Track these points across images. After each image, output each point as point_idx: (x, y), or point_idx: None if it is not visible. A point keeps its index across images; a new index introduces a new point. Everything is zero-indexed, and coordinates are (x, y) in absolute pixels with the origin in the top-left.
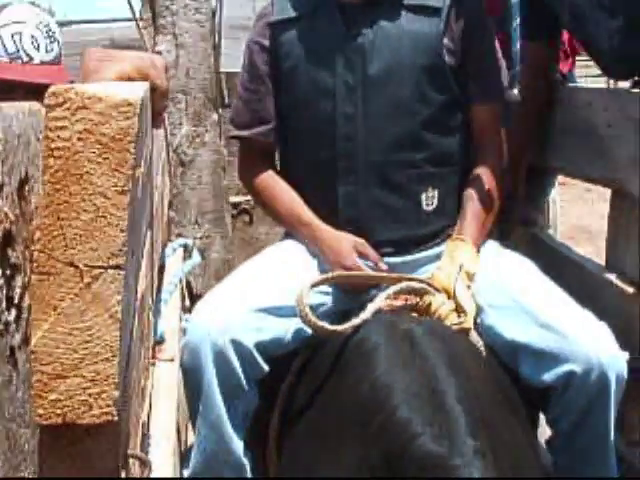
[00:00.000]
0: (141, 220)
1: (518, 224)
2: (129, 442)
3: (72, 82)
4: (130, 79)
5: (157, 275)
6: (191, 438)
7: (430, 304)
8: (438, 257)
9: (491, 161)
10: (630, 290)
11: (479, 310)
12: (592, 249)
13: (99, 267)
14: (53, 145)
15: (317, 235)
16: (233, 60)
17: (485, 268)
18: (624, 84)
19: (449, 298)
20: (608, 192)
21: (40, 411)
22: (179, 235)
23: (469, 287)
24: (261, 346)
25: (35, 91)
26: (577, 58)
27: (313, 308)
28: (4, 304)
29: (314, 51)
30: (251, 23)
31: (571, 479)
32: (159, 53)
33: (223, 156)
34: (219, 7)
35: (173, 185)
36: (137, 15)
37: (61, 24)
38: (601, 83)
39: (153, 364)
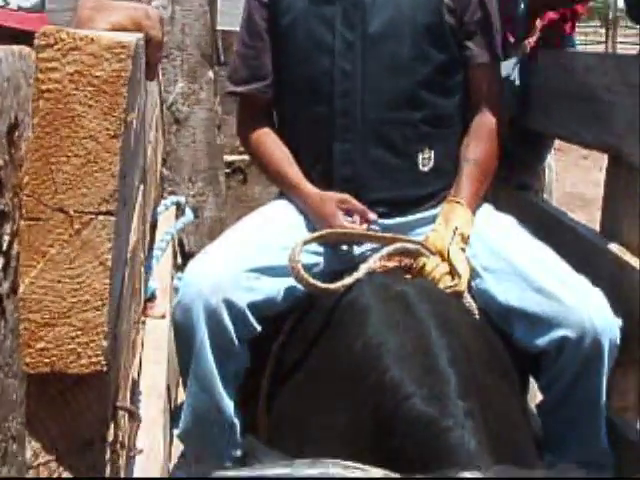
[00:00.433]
0: (133, 170)
1: (513, 189)
2: (118, 395)
3: None
4: (124, 30)
5: (149, 232)
6: (182, 397)
7: (424, 266)
8: (433, 219)
9: (489, 123)
10: (625, 257)
11: (473, 273)
12: (586, 217)
13: (89, 213)
14: (43, 87)
15: (303, 198)
16: (230, 18)
17: (480, 231)
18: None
19: (443, 260)
20: (603, 160)
21: (28, 360)
22: (172, 193)
23: (463, 250)
24: (253, 306)
25: (11, 39)
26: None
27: (306, 267)
28: None
29: (313, 7)
30: None
31: None
32: None
33: (218, 114)
34: None
35: (167, 142)
36: None
37: None
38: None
39: (144, 321)
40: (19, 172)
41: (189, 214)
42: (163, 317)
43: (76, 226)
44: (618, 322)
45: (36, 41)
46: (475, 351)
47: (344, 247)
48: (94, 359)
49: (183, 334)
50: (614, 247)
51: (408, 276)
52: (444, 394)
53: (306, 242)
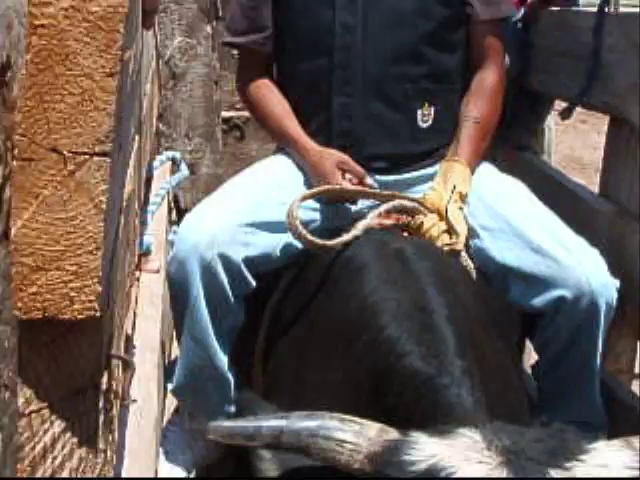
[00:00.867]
0: (129, 113)
1: (512, 149)
2: (112, 344)
3: None
4: None
5: (144, 187)
6: (176, 352)
7: (421, 224)
8: (431, 177)
9: (491, 81)
10: (623, 218)
11: (471, 232)
12: (584, 181)
13: (84, 153)
14: (37, 22)
15: (302, 153)
16: None
17: (479, 190)
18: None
19: (441, 219)
20: (602, 124)
21: (20, 304)
22: (169, 149)
23: (461, 209)
24: (249, 261)
25: None
26: None
27: (303, 223)
28: None
29: None
30: None
31: None
32: None
33: (215, 70)
34: None
35: (164, 97)
36: None
37: None
38: None
39: (138, 278)
40: (11, 115)
41: (184, 170)
42: (158, 272)
43: (70, 167)
44: (615, 283)
45: None
46: (472, 310)
47: (342, 204)
48: (88, 304)
49: (178, 288)
50: (612, 209)
51: (405, 234)
52: (441, 352)
53: (304, 198)
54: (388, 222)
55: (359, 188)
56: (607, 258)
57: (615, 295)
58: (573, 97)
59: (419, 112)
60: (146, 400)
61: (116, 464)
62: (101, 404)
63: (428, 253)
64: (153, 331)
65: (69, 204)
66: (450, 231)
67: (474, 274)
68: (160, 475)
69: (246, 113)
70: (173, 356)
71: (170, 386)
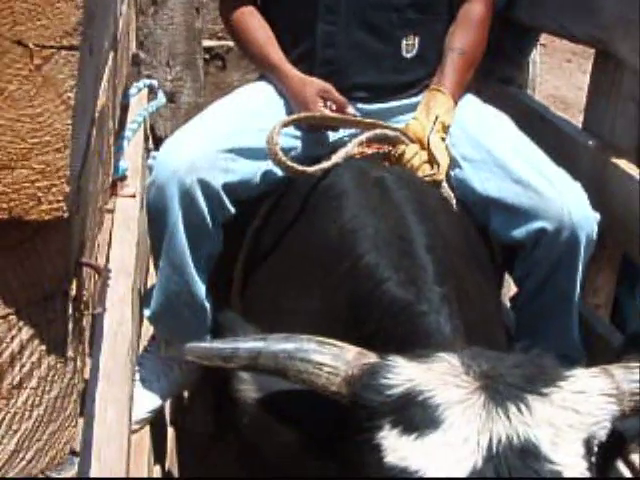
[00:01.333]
0: (102, 16)
1: (496, 82)
2: (84, 252)
3: None
4: None
5: (120, 113)
6: (153, 279)
7: (403, 153)
8: (414, 107)
9: (477, 12)
10: (606, 153)
11: (453, 163)
12: None
13: (51, 47)
14: None
15: (284, 80)
16: None
17: (462, 121)
18: None
19: (422, 149)
20: (587, 63)
21: None
22: (149, 77)
23: (444, 139)
24: (229, 187)
25: None
26: None
27: (284, 150)
28: None
29: None
30: None
31: None
32: None
33: None
34: None
35: (144, 25)
36: None
37: None
38: None
39: (114, 201)
40: None
41: (161, 97)
42: (133, 197)
43: (36, 61)
44: (596, 217)
45: None
46: (452, 240)
47: (323, 132)
48: (55, 205)
49: (156, 214)
50: (595, 143)
51: (386, 163)
52: (420, 279)
53: (285, 124)
54: (369, 151)
55: (340, 115)
56: (589, 192)
57: (596, 228)
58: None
59: (403, 42)
60: (121, 324)
61: (90, 385)
62: (70, 311)
63: (409, 182)
64: (128, 255)
65: (35, 100)
66: (431, 161)
67: (455, 204)
68: (135, 402)
69: (228, 42)
70: (150, 283)
71: (146, 312)
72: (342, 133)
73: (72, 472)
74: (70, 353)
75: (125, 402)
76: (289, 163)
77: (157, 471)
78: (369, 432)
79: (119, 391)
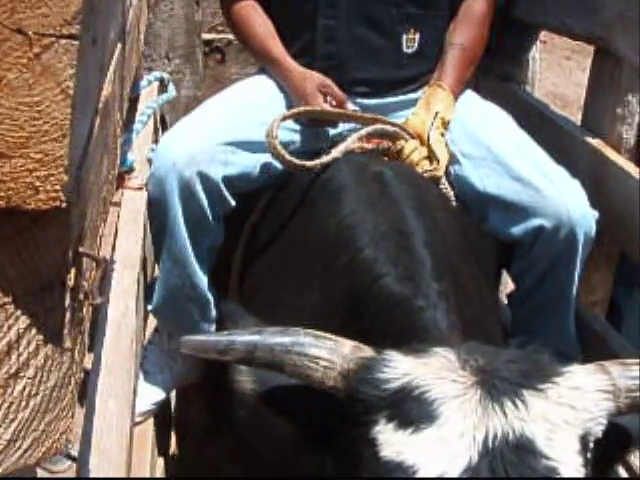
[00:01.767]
0: (108, 11)
1: (496, 79)
2: (84, 242)
3: None
4: None
5: (130, 105)
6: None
7: (402, 149)
8: (414, 103)
9: (479, 8)
10: (605, 150)
11: (452, 159)
12: None
13: (50, 35)
14: None
15: (285, 74)
16: None
17: (461, 117)
18: None
19: (422, 145)
20: (587, 61)
21: None
22: (149, 69)
23: (443, 135)
24: (228, 180)
25: None
26: None
27: (284, 144)
28: None
29: None
30: None
31: None
32: None
33: None
34: None
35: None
36: None
37: None
38: None
39: (120, 195)
40: None
41: (172, 90)
42: (141, 189)
43: (36, 49)
44: (595, 215)
45: None
46: (450, 236)
47: (322, 127)
48: (53, 194)
49: (156, 208)
50: (594, 141)
51: (386, 159)
52: (418, 275)
53: (284, 118)
54: (369, 146)
55: (340, 110)
56: (587, 190)
57: (594, 226)
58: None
59: (404, 37)
60: (125, 315)
61: (92, 377)
62: (68, 301)
63: (408, 177)
64: (134, 248)
65: (35, 88)
66: (431, 157)
67: (453, 201)
68: (138, 395)
69: (227, 35)
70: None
71: (150, 306)
72: (341, 128)
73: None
74: (68, 343)
75: (127, 394)
76: (288, 157)
77: (160, 464)
78: (365, 426)
79: (121, 383)
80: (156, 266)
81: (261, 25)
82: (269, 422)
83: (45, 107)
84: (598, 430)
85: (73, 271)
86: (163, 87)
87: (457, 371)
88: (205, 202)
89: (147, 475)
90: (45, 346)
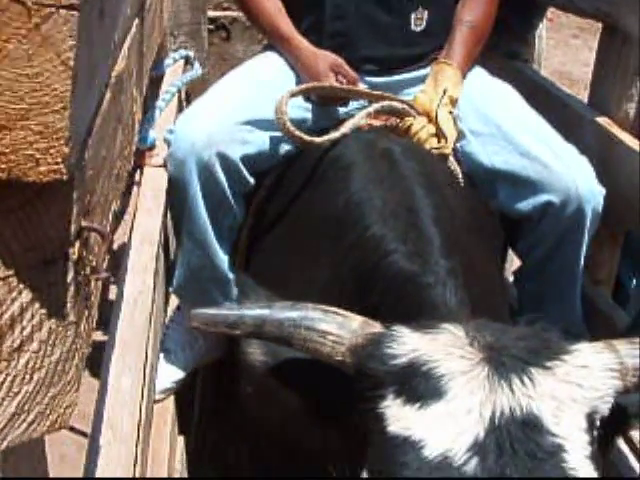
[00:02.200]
0: None
1: (503, 56)
2: (91, 216)
3: None
4: None
5: (155, 84)
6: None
7: (410, 126)
8: (423, 80)
9: None
10: (612, 129)
11: (460, 136)
12: None
13: (49, 6)
14: None
15: (295, 52)
16: None
17: (470, 94)
18: None
19: (430, 122)
20: (594, 40)
21: None
22: None
23: (451, 112)
24: (247, 159)
25: None
26: None
27: (293, 122)
28: None
29: None
30: None
31: None
32: None
33: None
34: None
35: None
36: None
37: None
38: None
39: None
40: None
41: (197, 68)
42: (162, 166)
43: (35, 20)
44: (602, 191)
45: None
46: (458, 213)
47: (332, 106)
48: (54, 167)
49: (175, 189)
50: (601, 119)
51: (394, 136)
52: (427, 252)
53: (293, 94)
54: (377, 123)
55: (349, 87)
56: (593, 168)
57: (602, 203)
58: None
59: (412, 15)
60: (141, 292)
61: (106, 353)
62: (72, 275)
63: (416, 155)
64: (153, 224)
65: (34, 59)
66: (439, 134)
67: (461, 179)
68: (159, 373)
69: (233, 13)
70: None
71: (171, 287)
72: (351, 106)
73: None
74: (72, 317)
75: (140, 370)
76: (297, 133)
77: (181, 442)
78: (373, 401)
79: (135, 360)
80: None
81: (269, 2)
82: (277, 396)
83: (45, 79)
84: (605, 408)
85: (77, 245)
86: (189, 65)
87: (465, 347)
88: (224, 182)
89: (166, 453)
90: (49, 320)
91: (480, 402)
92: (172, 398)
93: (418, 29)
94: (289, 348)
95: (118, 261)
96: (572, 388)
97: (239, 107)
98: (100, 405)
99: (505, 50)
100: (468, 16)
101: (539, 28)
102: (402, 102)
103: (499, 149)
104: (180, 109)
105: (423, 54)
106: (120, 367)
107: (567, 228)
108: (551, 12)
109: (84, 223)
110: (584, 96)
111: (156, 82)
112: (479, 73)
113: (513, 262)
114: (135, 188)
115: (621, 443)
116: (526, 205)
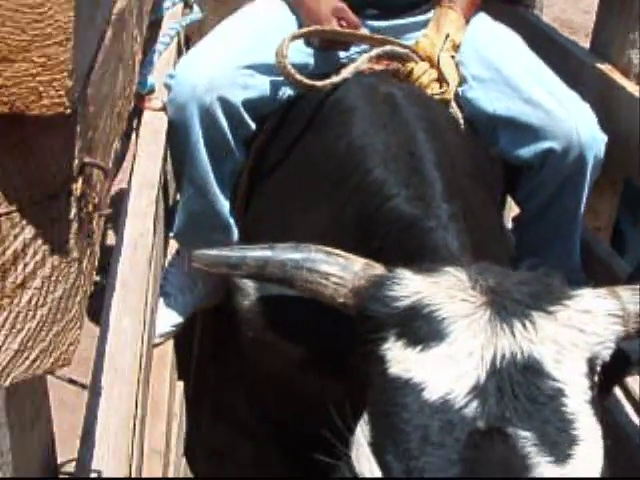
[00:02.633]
0: None
1: (503, 2)
2: (95, 154)
3: None
4: None
5: (154, 27)
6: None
7: (412, 71)
8: (425, 24)
9: None
10: (614, 74)
11: (462, 81)
12: None
13: None
14: None
15: None
16: None
17: (472, 39)
18: None
19: (432, 67)
20: None
21: None
22: None
23: (453, 57)
24: (248, 104)
25: None
26: None
27: (295, 66)
28: None
29: None
30: None
31: None
32: None
33: None
34: None
35: None
36: None
37: None
38: None
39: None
40: None
41: (197, 11)
42: (161, 110)
43: None
44: (604, 138)
45: None
46: (460, 159)
47: (334, 50)
48: (57, 100)
49: (176, 134)
50: (603, 65)
51: (395, 80)
52: (429, 196)
53: (294, 37)
54: (378, 67)
55: (351, 31)
56: (596, 115)
57: (603, 150)
58: None
59: None
60: (142, 235)
61: (107, 295)
62: (74, 211)
63: (418, 99)
64: (153, 168)
65: None
66: (440, 79)
67: (463, 124)
68: (158, 317)
69: None
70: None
71: (171, 232)
72: (352, 51)
73: None
74: (75, 254)
75: (141, 312)
76: (298, 77)
77: (180, 386)
78: (374, 343)
79: (136, 302)
80: (178, 192)
81: None
82: (276, 343)
83: (47, 9)
84: (606, 354)
85: (80, 181)
86: (188, 8)
87: (467, 290)
88: (226, 127)
89: (166, 396)
90: (52, 256)
91: (481, 345)
92: (171, 342)
93: None
94: (288, 293)
95: (117, 207)
96: (574, 333)
97: (240, 51)
98: (101, 346)
99: None
100: None
101: None
102: (404, 46)
103: (501, 95)
104: (179, 53)
105: None
106: (121, 308)
107: (568, 175)
108: None
109: (87, 159)
110: (585, 44)
111: (155, 25)
112: (482, 18)
113: (512, 209)
114: (134, 134)
115: (617, 390)
116: (527, 152)
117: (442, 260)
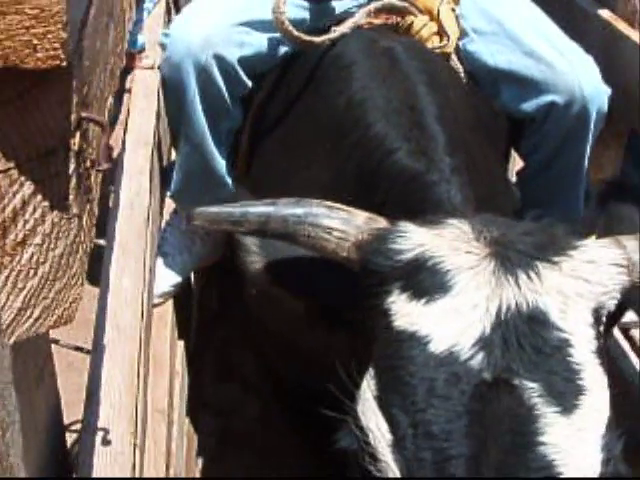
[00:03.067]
0: None
1: None
2: (90, 110)
3: None
4: None
5: None
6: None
7: (412, 25)
8: None
9: None
10: (618, 24)
11: (462, 35)
12: None
13: None
14: None
15: None
16: None
17: None
18: None
19: (432, 20)
20: None
21: None
22: None
23: (454, 10)
24: (245, 61)
25: None
26: None
27: (292, 22)
28: None
29: None
30: None
31: None
32: None
33: None
34: None
35: None
36: None
37: None
38: None
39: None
40: None
41: None
42: (152, 68)
43: None
44: (607, 91)
45: None
46: (462, 112)
47: (330, 2)
48: (52, 52)
49: (172, 92)
50: (607, 15)
51: (395, 34)
52: (431, 149)
53: None
54: (377, 21)
55: None
56: (598, 65)
57: (606, 102)
58: None
59: None
60: (138, 194)
61: (106, 255)
62: (72, 167)
63: (418, 53)
64: (147, 125)
65: None
66: (441, 33)
67: (464, 78)
68: (157, 277)
69: None
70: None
71: (168, 191)
72: (350, 4)
73: None
74: (75, 210)
75: (140, 271)
76: (295, 33)
77: (181, 346)
78: (378, 297)
79: (135, 261)
80: (173, 151)
81: None
82: (280, 299)
83: None
84: (611, 304)
85: (78, 136)
86: None
87: (471, 242)
88: (222, 85)
89: (167, 354)
90: (51, 212)
91: (486, 297)
92: (171, 302)
93: None
94: (291, 251)
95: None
96: (579, 283)
97: (236, 8)
98: (103, 305)
99: None
100: None
101: None
102: (403, 0)
103: (502, 48)
104: (169, 12)
105: None
106: (121, 267)
107: (571, 128)
108: None
109: (84, 114)
110: None
111: None
112: None
113: (516, 162)
114: (126, 94)
115: (621, 339)
116: (530, 105)
117: (445, 214)
